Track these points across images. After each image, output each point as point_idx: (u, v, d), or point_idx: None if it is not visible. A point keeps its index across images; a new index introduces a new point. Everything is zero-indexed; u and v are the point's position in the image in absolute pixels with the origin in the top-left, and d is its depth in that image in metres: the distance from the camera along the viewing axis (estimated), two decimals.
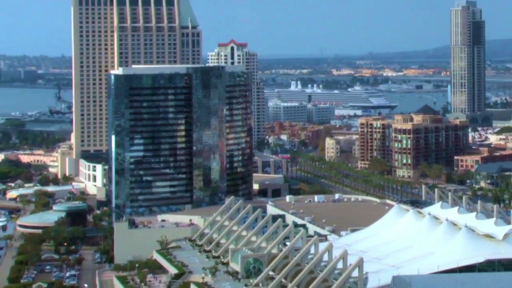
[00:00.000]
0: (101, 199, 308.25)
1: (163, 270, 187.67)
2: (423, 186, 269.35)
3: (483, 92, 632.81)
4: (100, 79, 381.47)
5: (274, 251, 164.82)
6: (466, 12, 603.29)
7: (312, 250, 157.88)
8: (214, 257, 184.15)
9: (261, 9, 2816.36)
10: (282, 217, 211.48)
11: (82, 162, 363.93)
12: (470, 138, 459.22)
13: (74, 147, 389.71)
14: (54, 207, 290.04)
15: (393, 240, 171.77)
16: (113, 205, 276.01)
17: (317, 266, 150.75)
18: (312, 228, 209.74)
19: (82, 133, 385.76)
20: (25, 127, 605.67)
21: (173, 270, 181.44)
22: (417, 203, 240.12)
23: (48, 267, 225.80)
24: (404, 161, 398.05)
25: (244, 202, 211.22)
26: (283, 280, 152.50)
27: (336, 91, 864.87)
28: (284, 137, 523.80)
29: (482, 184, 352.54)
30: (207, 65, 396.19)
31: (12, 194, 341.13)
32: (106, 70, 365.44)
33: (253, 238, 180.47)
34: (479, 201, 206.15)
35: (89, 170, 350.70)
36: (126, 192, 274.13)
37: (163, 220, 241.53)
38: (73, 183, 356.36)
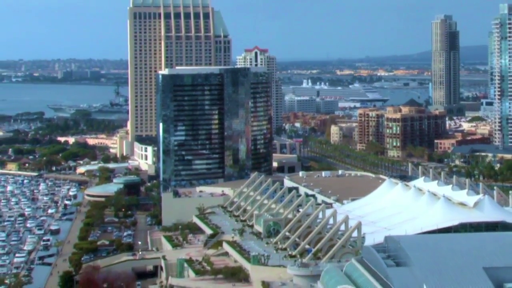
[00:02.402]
0: (151, 174, 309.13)
1: (201, 231, 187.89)
2: (409, 164, 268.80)
3: (458, 88, 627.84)
4: (150, 78, 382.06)
5: (290, 216, 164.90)
6: (444, 24, 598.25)
7: (320, 215, 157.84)
8: (241, 220, 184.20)
9: (279, 22, 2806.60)
10: (296, 189, 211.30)
11: (136, 144, 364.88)
12: (447, 126, 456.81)
13: (130, 132, 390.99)
14: (114, 180, 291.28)
15: (385, 207, 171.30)
16: (161, 179, 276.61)
17: (324, 228, 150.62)
18: (320, 198, 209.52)
19: (136, 121, 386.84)
20: (91, 116, 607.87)
21: (208, 231, 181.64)
22: (404, 177, 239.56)
23: (109, 228, 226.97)
24: (394, 144, 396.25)
25: (265, 177, 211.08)
26: (297, 239, 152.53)
27: (339, 88, 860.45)
28: (297, 124, 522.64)
29: (457, 162, 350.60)
30: (235, 66, 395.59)
31: (80, 169, 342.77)
32: (155, 71, 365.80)
33: (273, 206, 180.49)
34: (454, 176, 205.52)
35: (141, 150, 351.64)
36: (171, 169, 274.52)
37: (200, 191, 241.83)
38: (129, 161, 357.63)
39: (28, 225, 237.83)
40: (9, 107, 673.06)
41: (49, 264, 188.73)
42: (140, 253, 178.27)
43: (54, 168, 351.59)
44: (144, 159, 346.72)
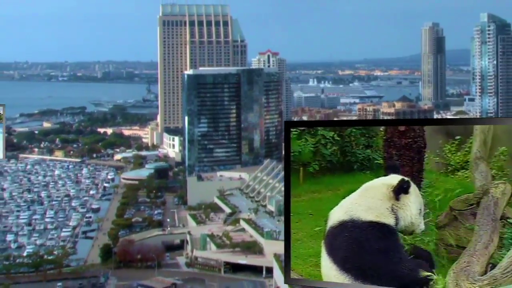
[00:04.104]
0: (178, 160, 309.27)
1: (221, 210, 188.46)
2: None
3: (444, 86, 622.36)
4: (177, 77, 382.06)
5: None
6: (432, 30, 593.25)
7: None
8: (256, 201, 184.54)
9: (289, 29, 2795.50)
10: None
11: (165, 135, 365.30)
12: None
13: (159, 124, 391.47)
14: (146, 166, 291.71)
15: None
16: (186, 165, 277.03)
17: None
18: None
19: (165, 114, 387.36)
20: (126, 111, 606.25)
21: (228, 210, 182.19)
22: None
23: (142, 207, 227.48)
24: None
25: (276, 163, 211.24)
26: None
27: (341, 86, 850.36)
28: (304, 117, 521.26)
29: None
30: (251, 67, 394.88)
31: (117, 157, 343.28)
32: (181, 71, 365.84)
33: (283, 188, 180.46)
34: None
35: (170, 140, 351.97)
36: (195, 156, 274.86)
37: (220, 175, 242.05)
38: (159, 149, 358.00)
39: (72, 204, 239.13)
40: (56, 102, 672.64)
41: (91, 238, 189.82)
42: (168, 228, 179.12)
43: (94, 155, 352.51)
44: (172, 147, 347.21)
